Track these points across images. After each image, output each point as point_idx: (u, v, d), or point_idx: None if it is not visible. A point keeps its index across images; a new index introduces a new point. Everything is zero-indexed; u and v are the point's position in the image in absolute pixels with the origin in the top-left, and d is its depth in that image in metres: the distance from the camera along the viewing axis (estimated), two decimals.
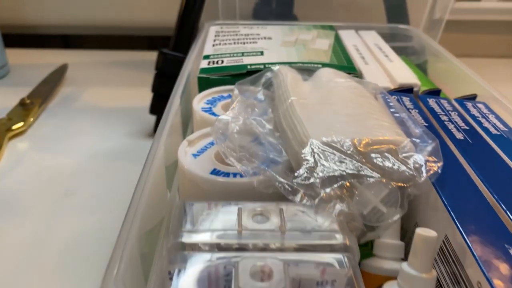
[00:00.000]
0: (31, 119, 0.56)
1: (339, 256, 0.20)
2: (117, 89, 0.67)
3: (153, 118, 0.55)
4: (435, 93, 0.37)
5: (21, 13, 0.81)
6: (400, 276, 0.21)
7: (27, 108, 0.58)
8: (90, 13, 0.81)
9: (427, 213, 0.26)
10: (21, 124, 0.55)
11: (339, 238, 0.21)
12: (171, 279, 0.19)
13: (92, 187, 0.45)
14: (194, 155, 0.29)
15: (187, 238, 0.20)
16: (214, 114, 0.34)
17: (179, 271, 0.19)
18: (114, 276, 0.18)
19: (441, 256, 0.23)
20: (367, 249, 0.27)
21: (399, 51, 0.47)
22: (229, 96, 0.37)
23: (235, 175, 0.27)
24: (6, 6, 0.80)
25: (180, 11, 0.53)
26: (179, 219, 0.22)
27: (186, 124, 0.40)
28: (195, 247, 0.20)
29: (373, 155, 0.25)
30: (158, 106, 0.54)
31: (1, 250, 0.37)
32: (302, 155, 0.24)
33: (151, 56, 0.54)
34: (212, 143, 0.30)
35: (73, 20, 0.82)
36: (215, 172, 0.27)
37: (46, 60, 0.74)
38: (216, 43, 0.45)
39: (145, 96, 0.54)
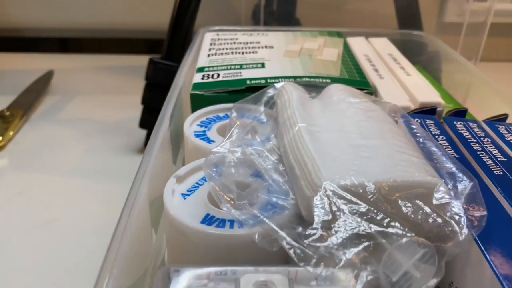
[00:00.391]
0: (11, 133, 0.52)
1: None
2: (107, 97, 0.63)
3: (144, 132, 0.51)
4: (461, 113, 0.33)
5: (5, 16, 0.77)
6: None
7: (6, 121, 0.53)
8: (85, 15, 0.76)
9: (466, 271, 0.21)
10: None
11: None
12: None
13: (77, 213, 0.40)
14: (184, 195, 0.24)
15: None
16: (208, 139, 0.30)
17: None
18: None
19: None
20: None
21: (412, 60, 0.43)
22: (226, 117, 0.33)
23: (232, 223, 0.22)
24: None
25: (173, 15, 0.48)
26: None
27: (178, 147, 0.35)
28: None
29: (401, 202, 0.20)
30: (149, 120, 0.49)
31: None
32: (315, 203, 0.20)
33: (142, 60, 0.49)
34: (205, 179, 0.26)
35: (64, 23, 0.78)
36: (207, 219, 0.22)
37: (32, 65, 0.69)
38: (211, 52, 0.41)
39: (137, 105, 0.49)
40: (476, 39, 0.59)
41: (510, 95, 0.37)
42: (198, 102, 0.34)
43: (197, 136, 0.30)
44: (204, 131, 0.31)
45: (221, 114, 0.33)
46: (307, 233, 0.18)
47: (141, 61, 0.53)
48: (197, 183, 0.25)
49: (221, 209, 0.23)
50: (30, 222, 0.39)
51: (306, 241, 0.18)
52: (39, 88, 0.61)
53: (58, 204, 0.42)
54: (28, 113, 0.57)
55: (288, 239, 0.18)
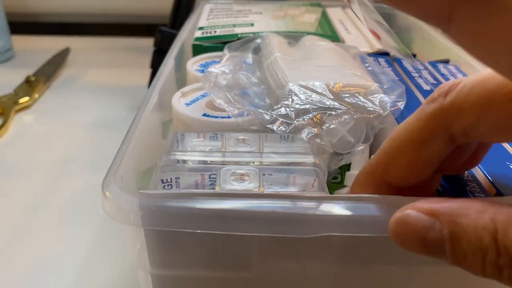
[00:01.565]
0: (36, 95, 0.60)
1: (309, 168, 0.23)
2: (117, 70, 0.71)
3: None
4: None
5: (23, 1, 0.85)
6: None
7: (32, 85, 0.61)
8: (90, 1, 0.84)
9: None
10: (27, 98, 0.58)
11: (310, 158, 0.24)
12: (163, 187, 0.22)
13: (90, 153, 0.48)
14: (187, 104, 0.32)
15: (178, 156, 0.23)
16: None
17: (170, 179, 0.22)
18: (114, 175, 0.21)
19: None
20: (340, 185, 0.30)
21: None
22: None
23: (222, 118, 0.30)
24: None
25: None
26: (172, 144, 0.25)
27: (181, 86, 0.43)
28: (185, 163, 0.23)
29: (343, 95, 0.28)
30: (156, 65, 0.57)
31: (7, 206, 0.40)
32: (281, 95, 0.27)
33: (150, 42, 0.57)
34: (204, 95, 0.33)
35: (73, 8, 0.86)
36: (205, 115, 0.30)
37: (49, 45, 0.77)
38: (210, 17, 0.49)
39: (144, 76, 0.57)
40: None
41: (458, 50, 0.44)
42: (198, 51, 0.42)
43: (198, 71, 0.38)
44: (203, 70, 0.38)
45: (217, 59, 0.41)
46: (274, 108, 0.26)
47: (144, 42, 0.65)
48: (197, 97, 0.33)
49: (216, 111, 0.30)
50: (51, 160, 0.47)
51: (273, 112, 0.26)
52: (58, 61, 0.69)
53: (76, 147, 0.49)
54: (50, 80, 0.65)
55: (261, 111, 0.26)
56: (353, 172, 0.28)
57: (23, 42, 0.79)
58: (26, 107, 0.58)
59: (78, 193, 0.42)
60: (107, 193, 0.20)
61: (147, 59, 0.57)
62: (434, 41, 0.47)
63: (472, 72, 0.39)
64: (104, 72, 0.70)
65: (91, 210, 0.39)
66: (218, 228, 0.19)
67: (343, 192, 0.28)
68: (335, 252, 0.20)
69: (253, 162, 0.23)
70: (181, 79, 0.41)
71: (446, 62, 0.41)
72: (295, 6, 0.53)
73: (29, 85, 0.61)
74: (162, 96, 0.33)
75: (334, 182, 0.30)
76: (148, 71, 0.57)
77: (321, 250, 0.20)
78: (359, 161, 0.28)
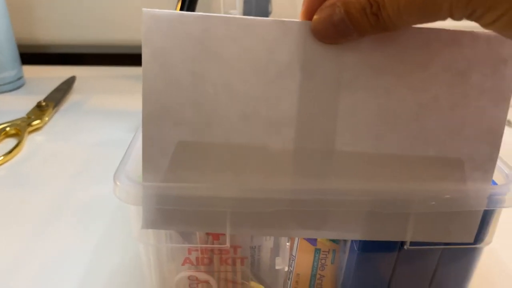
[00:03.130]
0: (47, 118, 0.67)
1: None
2: (119, 96, 0.78)
3: None
4: None
5: (33, 34, 0.93)
6: None
7: (43, 110, 0.68)
8: (98, 34, 0.93)
9: None
10: (38, 121, 0.65)
11: None
12: None
13: (95, 168, 0.55)
14: None
15: None
16: None
17: None
18: None
19: None
20: None
21: None
22: None
23: None
24: (19, 27, 0.91)
25: None
26: None
27: None
28: None
29: None
30: None
31: (26, 211, 0.47)
32: None
33: None
34: None
35: (78, 40, 0.94)
36: None
37: (56, 74, 0.84)
38: None
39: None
40: None
41: None
42: None
43: None
44: None
45: None
46: None
47: None
48: None
49: None
50: (61, 174, 0.54)
51: None
52: (65, 88, 0.77)
53: (83, 163, 0.56)
54: (58, 105, 0.72)
55: None
56: None
57: (32, 71, 0.87)
58: (37, 129, 0.65)
59: (86, 201, 0.49)
60: (118, 183, 0.27)
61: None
62: None
63: None
64: (107, 97, 0.77)
65: (98, 214, 0.46)
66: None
67: None
68: None
69: None
70: None
71: None
72: None
73: (40, 110, 0.68)
74: None
75: None
76: None
77: None
78: None
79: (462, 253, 0.29)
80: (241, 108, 0.24)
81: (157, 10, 0.25)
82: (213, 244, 0.29)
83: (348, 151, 0.24)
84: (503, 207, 0.26)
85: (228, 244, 0.28)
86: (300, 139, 0.24)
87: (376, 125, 0.23)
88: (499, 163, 0.29)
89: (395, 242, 0.28)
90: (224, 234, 0.28)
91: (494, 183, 0.27)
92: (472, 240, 0.26)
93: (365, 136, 0.24)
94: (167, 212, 0.26)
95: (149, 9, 0.24)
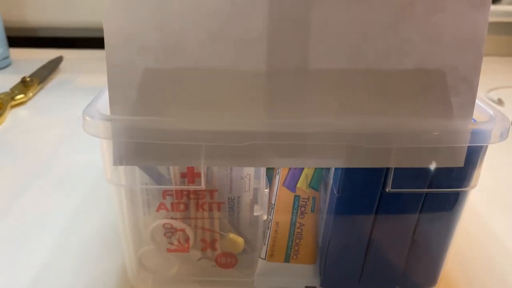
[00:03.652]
0: (31, 94, 0.66)
1: None
2: (106, 75, 0.77)
3: None
4: None
5: (22, 17, 0.92)
6: None
7: (27, 85, 0.67)
8: (89, 17, 0.92)
9: None
10: (22, 95, 0.64)
11: None
12: None
13: (79, 137, 0.54)
14: None
15: None
16: None
17: None
18: None
19: None
20: None
21: None
22: None
23: None
24: (7, 9, 0.90)
25: None
26: None
27: None
28: None
29: None
30: None
31: (6, 176, 0.46)
32: None
33: None
34: None
35: (66, 23, 0.93)
36: None
37: (43, 56, 0.83)
38: None
39: None
40: None
41: None
42: None
43: None
44: None
45: None
46: None
47: None
48: None
49: None
50: (46, 142, 0.53)
51: None
52: (52, 66, 0.76)
53: (67, 133, 0.55)
54: (44, 82, 0.71)
55: None
56: None
57: (20, 53, 0.86)
58: (21, 103, 0.64)
59: (68, 167, 0.47)
60: (87, 118, 0.25)
61: None
62: None
63: None
64: (94, 76, 0.76)
65: (79, 180, 0.45)
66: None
67: None
68: None
69: None
70: None
71: None
72: None
73: (24, 85, 0.67)
74: None
75: None
76: None
77: None
78: None
79: (446, 198, 0.28)
80: (208, 27, 0.23)
81: None
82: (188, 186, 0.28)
83: (323, 68, 0.23)
84: (489, 143, 0.25)
85: (203, 186, 0.27)
86: (272, 59, 0.23)
87: (349, 37, 0.22)
88: (484, 104, 0.28)
89: (377, 184, 0.27)
90: (199, 177, 0.27)
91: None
92: (462, 164, 0.25)
93: (339, 49, 0.23)
94: (139, 146, 0.25)
95: None
